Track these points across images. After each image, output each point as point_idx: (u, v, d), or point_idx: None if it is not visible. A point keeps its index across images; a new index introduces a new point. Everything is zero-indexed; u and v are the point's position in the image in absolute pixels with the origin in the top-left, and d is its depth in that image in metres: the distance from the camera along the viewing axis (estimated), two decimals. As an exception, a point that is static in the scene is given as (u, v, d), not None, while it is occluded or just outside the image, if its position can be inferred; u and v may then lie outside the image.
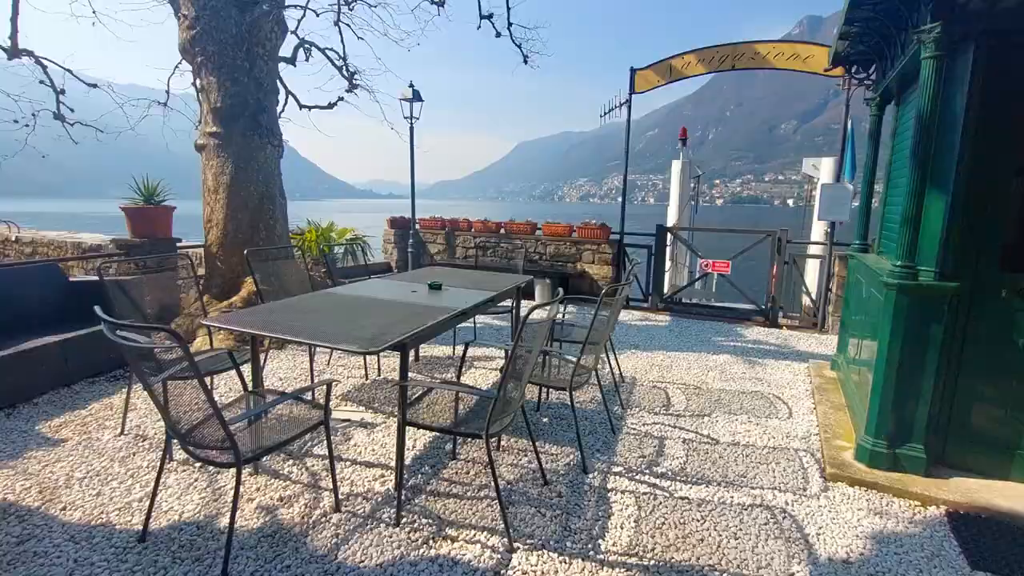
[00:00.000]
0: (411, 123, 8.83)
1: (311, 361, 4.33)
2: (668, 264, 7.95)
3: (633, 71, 7.26)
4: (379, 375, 4.44)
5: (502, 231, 8.61)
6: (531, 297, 7.91)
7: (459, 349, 5.11)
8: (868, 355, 3.23)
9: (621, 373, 4.59)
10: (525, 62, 8.27)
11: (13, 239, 7.48)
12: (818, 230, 8.87)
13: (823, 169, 9.30)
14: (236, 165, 5.42)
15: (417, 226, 9.39)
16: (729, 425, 3.59)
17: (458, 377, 3.95)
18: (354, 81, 7.36)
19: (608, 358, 4.40)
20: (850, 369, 3.97)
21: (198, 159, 5.59)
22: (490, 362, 4.88)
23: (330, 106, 6.92)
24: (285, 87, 6.62)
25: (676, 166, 12.64)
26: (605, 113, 7.74)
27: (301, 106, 6.84)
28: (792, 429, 3.54)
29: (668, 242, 7.62)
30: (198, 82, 5.47)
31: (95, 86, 6.56)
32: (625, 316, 7.02)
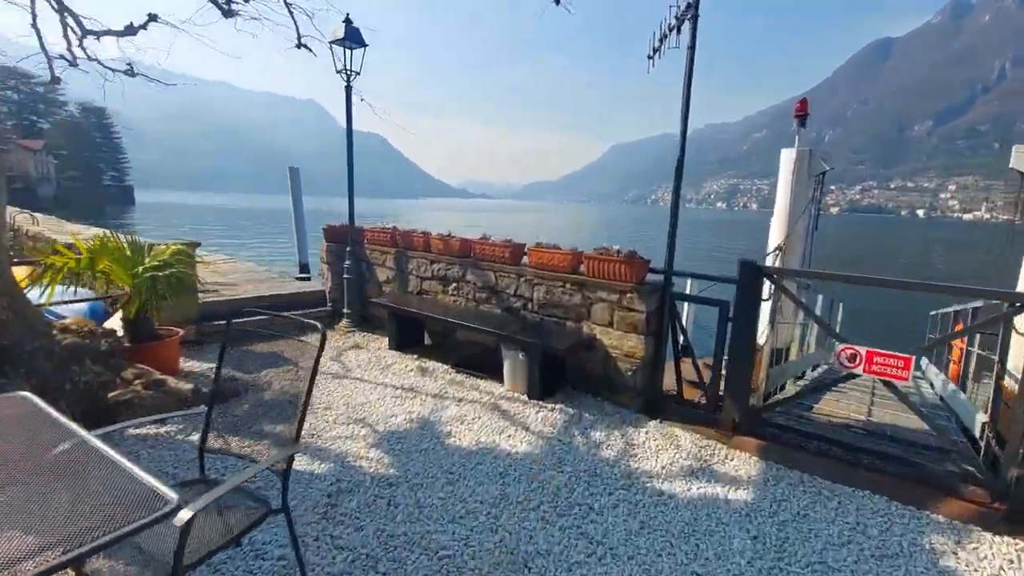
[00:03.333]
0: (347, 78, 5.75)
1: None
2: (764, 334, 4.12)
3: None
4: None
5: (472, 255, 5.19)
6: (498, 374, 4.46)
7: None
8: None
9: None
10: (557, 3, 4.94)
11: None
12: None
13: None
14: None
15: (365, 241, 6.24)
16: None
17: None
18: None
19: None
20: None
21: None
22: None
23: (130, 31, 3.92)
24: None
25: (788, 157, 8.45)
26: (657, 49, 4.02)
27: (85, 32, 3.92)
28: None
29: (766, 294, 3.81)
30: None
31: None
32: (655, 445, 3.37)
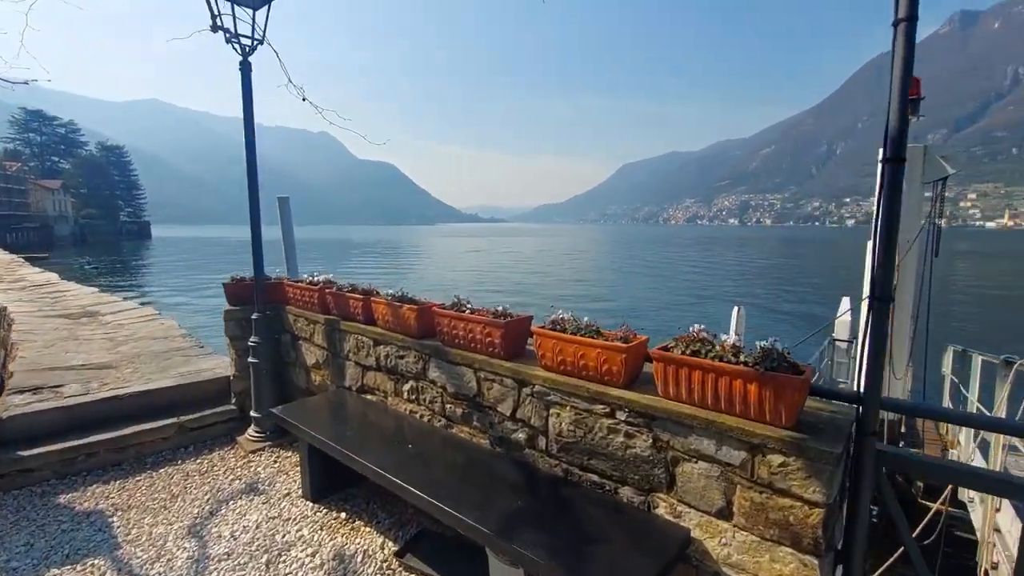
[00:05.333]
0: (243, 49, 3.68)
1: None
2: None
3: None
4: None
5: (438, 334, 2.92)
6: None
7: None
8: None
9: None
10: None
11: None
12: None
13: None
14: None
15: (289, 304, 4.08)
16: None
17: None
18: None
19: None
20: None
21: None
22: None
23: None
24: None
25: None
26: None
27: None
28: None
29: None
30: None
31: None
32: None
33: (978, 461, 5.32)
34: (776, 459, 1.72)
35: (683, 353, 1.95)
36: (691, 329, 2.04)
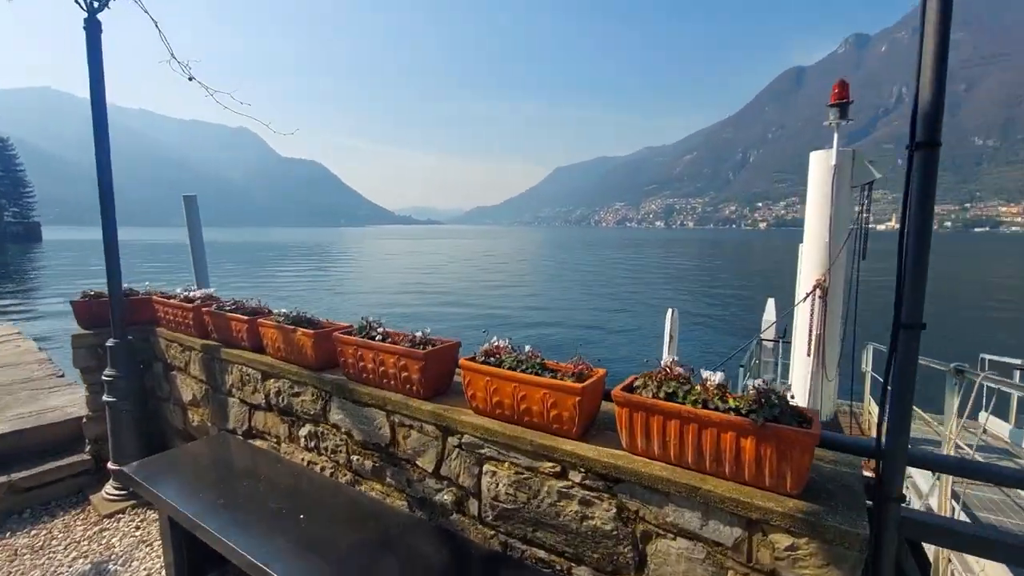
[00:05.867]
0: (88, 4, 2.88)
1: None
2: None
3: None
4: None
5: (342, 363, 2.31)
6: None
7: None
8: None
9: None
10: None
11: None
12: None
13: None
14: None
15: (158, 325, 3.29)
16: None
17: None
18: None
19: None
20: None
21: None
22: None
23: None
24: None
25: (822, 162, 6.19)
26: None
27: None
28: None
29: None
30: None
31: None
32: None
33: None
34: (782, 540, 1.29)
35: (655, 396, 1.50)
36: (662, 363, 1.59)
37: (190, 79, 4.57)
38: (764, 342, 10.96)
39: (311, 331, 2.35)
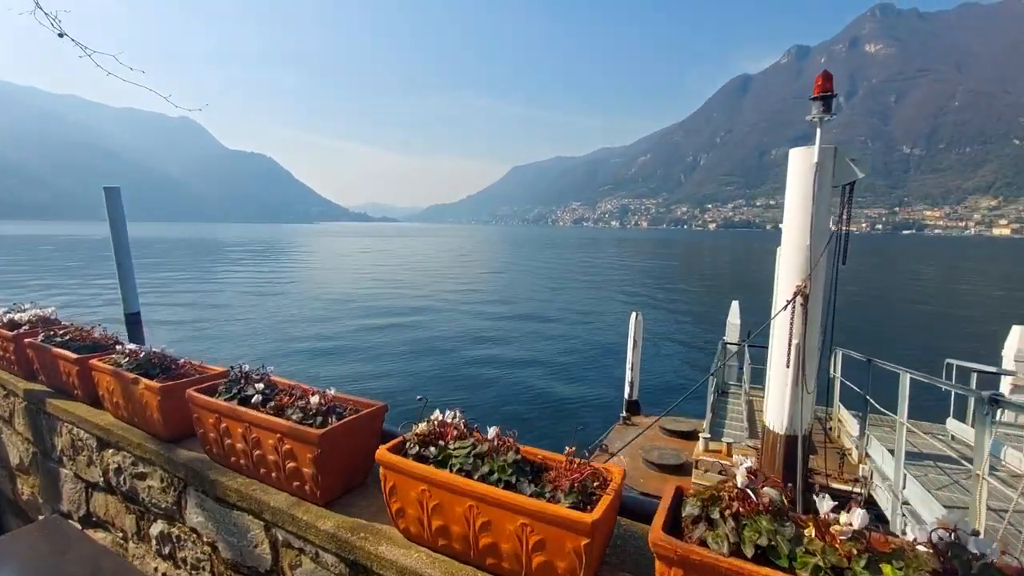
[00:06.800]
0: None
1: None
2: None
3: None
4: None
5: (195, 434, 1.51)
6: None
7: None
8: None
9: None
10: None
11: None
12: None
13: None
14: None
15: None
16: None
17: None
18: None
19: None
20: None
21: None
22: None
23: None
24: None
25: (802, 160, 5.75)
26: None
27: None
28: None
29: None
30: None
31: None
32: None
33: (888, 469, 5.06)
34: None
35: (735, 548, 0.80)
36: (738, 479, 0.90)
37: (60, 35, 3.74)
38: (728, 345, 10.64)
39: (156, 384, 1.53)
